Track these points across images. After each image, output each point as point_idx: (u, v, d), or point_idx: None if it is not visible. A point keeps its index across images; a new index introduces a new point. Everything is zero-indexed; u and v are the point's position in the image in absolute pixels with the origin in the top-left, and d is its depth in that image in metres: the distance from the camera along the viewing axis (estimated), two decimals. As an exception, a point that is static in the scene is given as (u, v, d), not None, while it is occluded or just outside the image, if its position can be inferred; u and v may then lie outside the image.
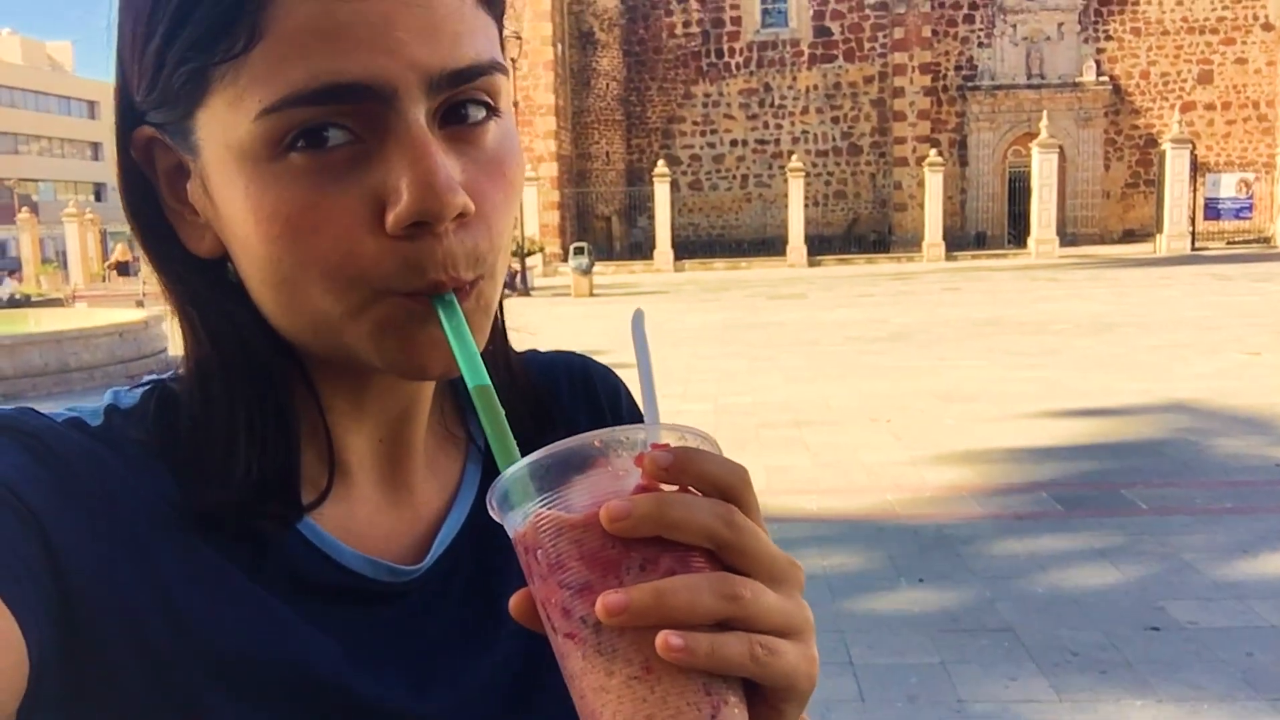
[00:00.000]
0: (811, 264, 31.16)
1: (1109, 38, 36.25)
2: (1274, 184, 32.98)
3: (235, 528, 0.55)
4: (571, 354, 0.78)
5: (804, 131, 37.16)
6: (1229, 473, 6.03)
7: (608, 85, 36.57)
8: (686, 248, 33.69)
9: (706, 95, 37.29)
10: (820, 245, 33.46)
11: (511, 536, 0.46)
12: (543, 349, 0.77)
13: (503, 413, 0.50)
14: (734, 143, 37.34)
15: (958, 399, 8.60)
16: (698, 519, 0.43)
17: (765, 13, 37.23)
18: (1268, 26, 35.63)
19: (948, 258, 31.03)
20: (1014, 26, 36.23)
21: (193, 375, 0.58)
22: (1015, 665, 3.59)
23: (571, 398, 0.74)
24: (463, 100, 0.53)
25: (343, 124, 0.50)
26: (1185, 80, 36.18)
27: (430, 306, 0.52)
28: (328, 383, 0.59)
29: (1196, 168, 31.69)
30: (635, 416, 0.76)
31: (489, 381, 0.51)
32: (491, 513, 0.47)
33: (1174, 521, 5.10)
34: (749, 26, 37.12)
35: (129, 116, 0.56)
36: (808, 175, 32.86)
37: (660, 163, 32.34)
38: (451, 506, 0.65)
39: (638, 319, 0.52)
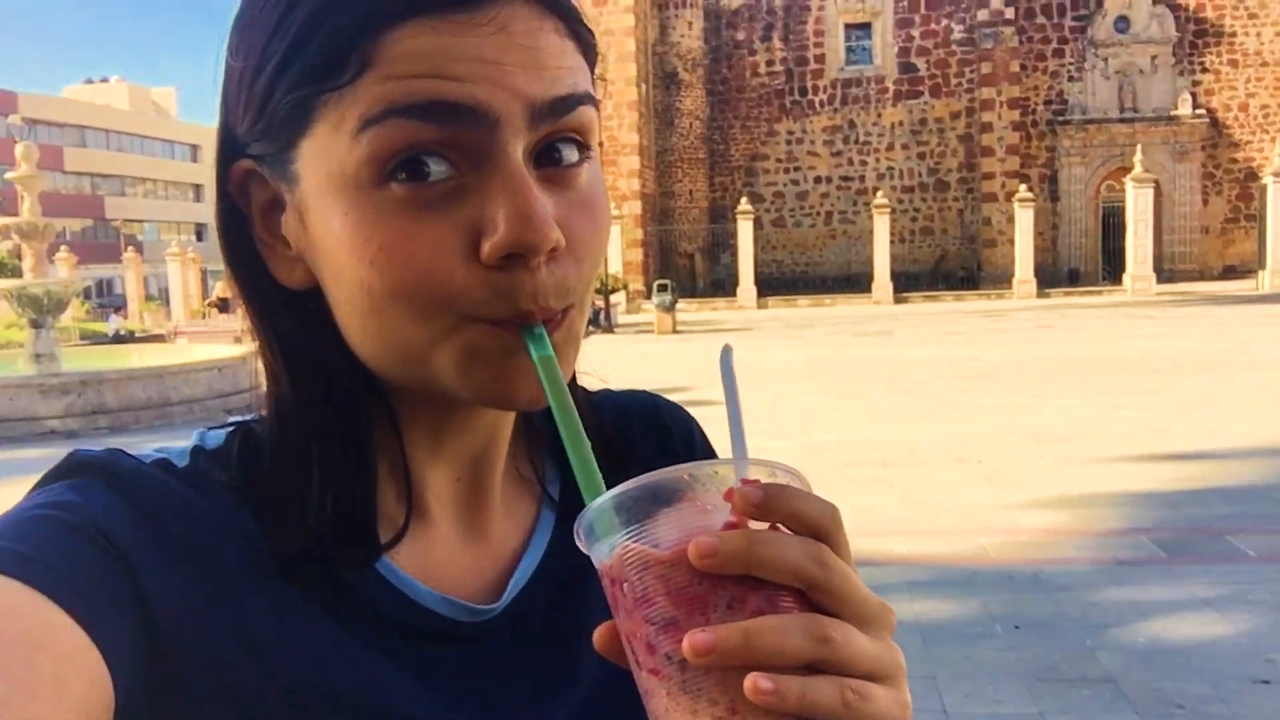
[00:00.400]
0: (897, 301, 30.81)
1: (1205, 70, 35.41)
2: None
3: (317, 569, 0.56)
4: (643, 393, 0.79)
5: (889, 168, 36.92)
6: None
7: (691, 124, 36.85)
8: (769, 285, 33.62)
9: (790, 133, 37.31)
10: (906, 282, 33.07)
11: (597, 568, 0.46)
12: (616, 387, 0.78)
13: (589, 444, 0.50)
14: (818, 179, 37.25)
15: (1052, 439, 8.38)
16: (788, 558, 0.43)
17: (849, 50, 37.23)
18: (1375, 55, 34.42)
19: (1039, 295, 30.41)
20: (1105, 60, 35.62)
21: (272, 415, 0.59)
22: (1117, 716, 3.45)
23: (644, 436, 0.74)
24: (556, 141, 0.55)
25: (444, 155, 0.52)
26: (1287, 112, 35.10)
27: (518, 336, 0.53)
28: (409, 420, 0.60)
29: (1299, 204, 30.60)
30: (710, 454, 0.76)
31: (576, 414, 0.51)
32: (578, 543, 0.46)
33: (1286, 570, 4.88)
34: (833, 64, 37.12)
35: (230, 150, 0.58)
36: (893, 211, 32.59)
37: (743, 200, 32.43)
38: (527, 548, 0.66)
39: (726, 354, 0.53)
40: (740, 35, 37.58)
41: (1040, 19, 36.02)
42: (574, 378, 0.68)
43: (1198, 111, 35.05)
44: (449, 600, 0.60)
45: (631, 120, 33.66)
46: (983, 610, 4.59)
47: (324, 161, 0.53)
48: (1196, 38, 35.35)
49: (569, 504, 0.66)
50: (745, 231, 31.28)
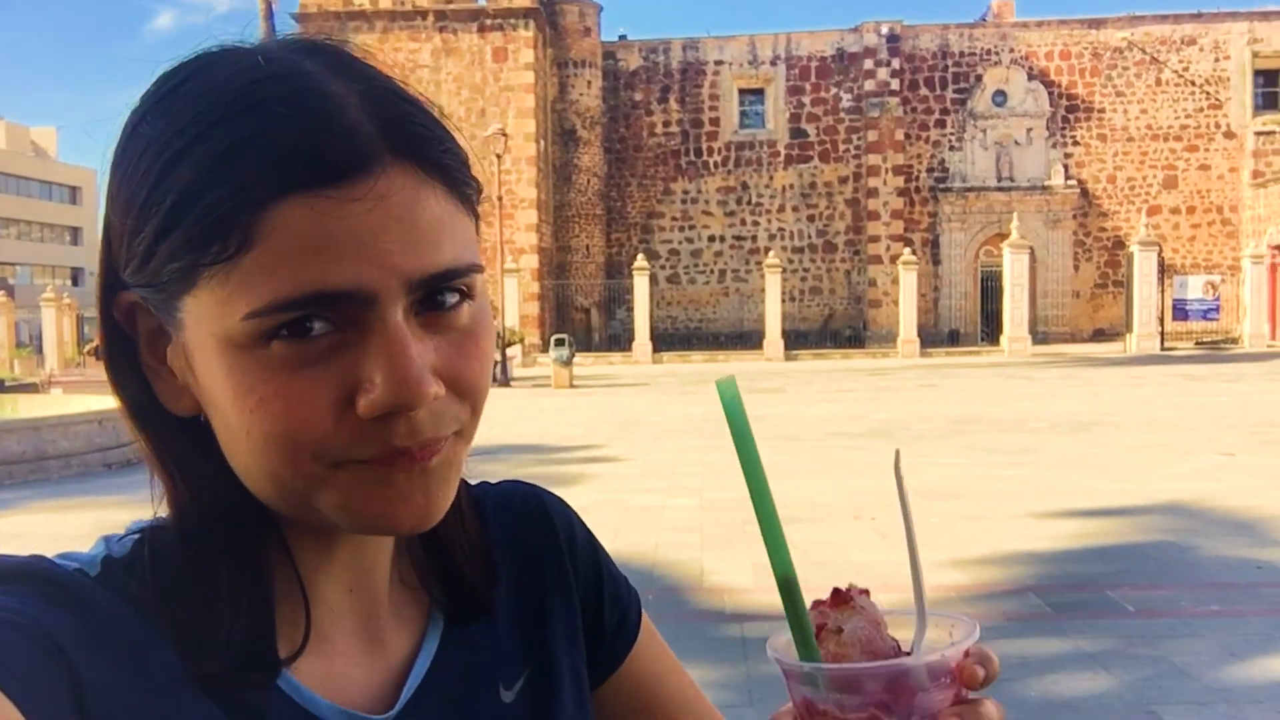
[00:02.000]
0: (788, 358, 31.44)
1: (1076, 143, 37.41)
2: (1239, 286, 33.74)
3: (229, 686, 0.57)
4: (524, 484, 0.81)
5: (780, 228, 37.88)
6: (1212, 574, 6.08)
7: (589, 180, 37.23)
8: (664, 340, 33.97)
9: (685, 192, 38.03)
10: (796, 340, 33.83)
11: (812, 702, 0.55)
12: (493, 480, 0.81)
13: (804, 605, 0.56)
14: (712, 238, 37.98)
15: (940, 497, 8.66)
16: None
17: (743, 114, 38.28)
18: (1229, 134, 36.92)
19: (922, 354, 31.41)
20: (984, 131, 37.36)
21: (175, 529, 0.60)
22: (1014, 771, 3.57)
23: (528, 529, 0.77)
24: (441, 293, 0.57)
25: (325, 317, 0.53)
26: (1151, 185, 37.28)
27: (392, 467, 0.56)
28: (299, 539, 0.62)
29: (1164, 269, 32.44)
30: (590, 550, 0.80)
31: (794, 574, 0.57)
32: (782, 664, 0.56)
33: (1162, 625, 5.13)
34: (727, 127, 38.07)
35: (114, 283, 0.58)
36: (784, 271, 33.40)
37: (640, 256, 32.82)
38: (417, 655, 0.68)
39: (897, 460, 0.57)
40: (638, 96, 38.30)
41: (924, 91, 37.65)
42: (464, 488, 0.71)
43: (1069, 182, 36.98)
44: (347, 713, 0.62)
45: (530, 175, 33.88)
46: (882, 666, 4.71)
47: (209, 323, 0.54)
48: (1068, 113, 37.40)
49: (455, 615, 0.70)
50: (641, 287, 31.61)
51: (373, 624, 0.67)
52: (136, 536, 0.60)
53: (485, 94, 34.12)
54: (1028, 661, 4.67)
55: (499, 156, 28.62)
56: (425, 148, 0.57)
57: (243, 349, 0.53)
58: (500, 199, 29.71)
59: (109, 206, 0.58)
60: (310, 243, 0.52)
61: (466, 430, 0.59)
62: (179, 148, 0.53)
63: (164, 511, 0.61)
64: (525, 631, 0.73)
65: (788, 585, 0.57)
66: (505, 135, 29.57)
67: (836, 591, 0.57)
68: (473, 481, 0.76)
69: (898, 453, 0.57)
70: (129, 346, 0.59)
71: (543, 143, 34.98)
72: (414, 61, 34.17)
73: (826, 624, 0.56)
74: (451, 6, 34.56)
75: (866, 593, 0.57)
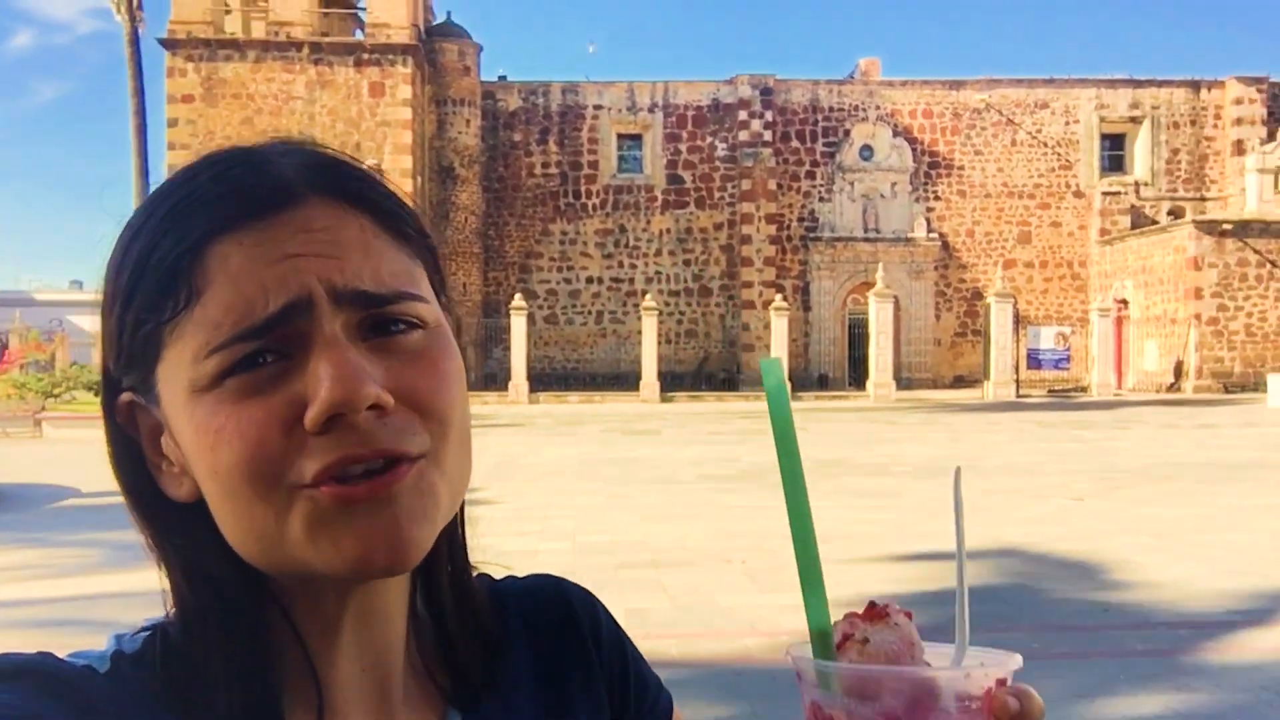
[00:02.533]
0: (664, 400, 31.68)
1: (937, 198, 39.03)
2: (1088, 338, 35.63)
3: None
4: (548, 577, 0.81)
5: (657, 272, 38.32)
6: (1062, 617, 6.36)
7: (466, 219, 37.00)
8: (541, 380, 33.85)
9: (564, 233, 38.16)
10: (672, 382, 34.13)
11: (820, 706, 0.53)
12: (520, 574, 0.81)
13: (832, 632, 0.56)
14: (589, 280, 38.15)
15: (808, 541, 8.82)
16: None
17: (621, 159, 38.74)
18: (1079, 194, 39.11)
19: (793, 398, 31.90)
20: (851, 184, 38.67)
21: (180, 623, 0.61)
22: (876, 815, 3.63)
23: (549, 622, 0.77)
24: (384, 316, 0.58)
25: (273, 349, 0.56)
26: (1007, 239, 39.12)
27: (352, 495, 0.55)
28: (306, 617, 0.62)
29: (1019, 320, 34.03)
30: (616, 642, 0.80)
31: (829, 628, 0.56)
32: (798, 664, 0.54)
33: (1015, 666, 5.33)
34: (605, 171, 38.44)
35: (111, 385, 0.62)
36: (661, 314, 33.73)
37: (517, 296, 32.75)
38: None
39: (957, 477, 0.55)
40: (517, 136, 38.37)
41: (795, 143, 38.80)
42: (465, 556, 0.72)
43: (931, 235, 38.54)
44: None
45: (405, 212, 33.47)
46: (749, 713, 4.76)
47: (176, 380, 0.57)
48: (930, 169, 39.04)
49: (462, 696, 0.69)
50: (519, 327, 31.51)
51: (386, 705, 0.65)
52: (148, 633, 0.61)
53: (361, 128, 33.65)
54: (890, 704, 4.78)
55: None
56: (348, 184, 0.60)
57: (203, 391, 0.56)
58: (375, 235, 29.27)
59: (102, 312, 0.61)
60: (241, 274, 0.56)
61: (439, 457, 0.59)
62: (136, 228, 0.60)
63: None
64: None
65: (822, 639, 0.55)
66: (381, 171, 29.17)
67: (872, 605, 0.55)
68: (497, 575, 0.76)
69: (958, 470, 0.56)
70: (133, 448, 0.62)
71: (420, 179, 34.64)
72: (287, 93, 33.50)
73: (854, 634, 0.54)
74: (327, 39, 34.08)
75: (909, 615, 0.55)
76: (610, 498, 11.38)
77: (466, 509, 0.74)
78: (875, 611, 0.55)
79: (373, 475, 0.56)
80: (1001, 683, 0.52)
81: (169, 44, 33.37)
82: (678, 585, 7.20)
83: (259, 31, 34.13)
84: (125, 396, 0.61)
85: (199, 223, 0.57)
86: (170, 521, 0.61)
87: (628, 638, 0.81)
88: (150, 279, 0.57)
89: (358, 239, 0.59)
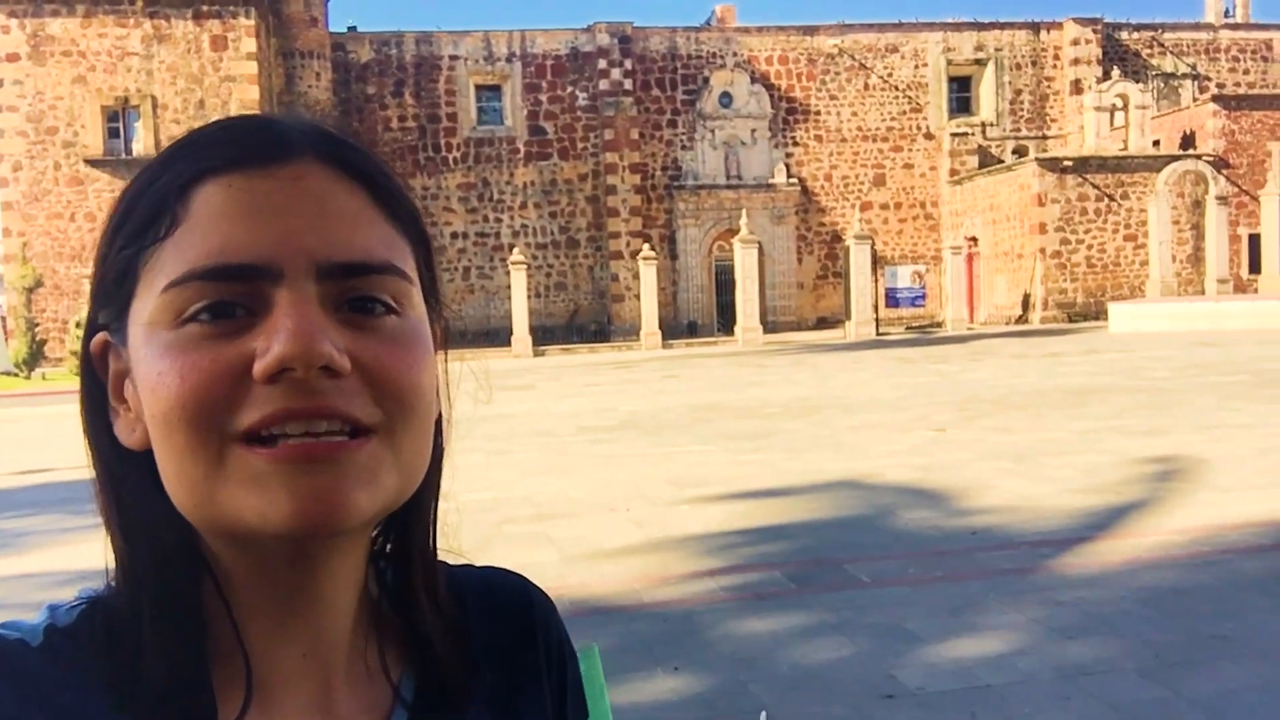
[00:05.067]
0: (536, 354, 31.59)
1: (796, 144, 39.71)
2: (941, 275, 37.00)
3: None
4: (511, 575, 0.79)
5: (524, 225, 37.98)
6: (934, 543, 6.66)
7: (322, 177, 35.83)
8: (408, 340, 33.26)
9: (425, 189, 37.33)
10: (544, 336, 34.03)
11: None
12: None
13: None
14: (454, 235, 37.54)
15: (690, 484, 8.99)
16: None
17: (481, 111, 38.07)
18: (929, 135, 40.34)
19: (664, 346, 32.40)
20: (713, 132, 38.97)
21: (117, 584, 0.60)
22: (773, 743, 3.78)
23: (510, 626, 0.75)
24: (364, 296, 0.58)
25: (240, 303, 0.56)
26: (863, 183, 40.15)
27: (282, 457, 0.54)
28: (249, 592, 0.60)
29: (876, 261, 35.08)
30: (568, 654, 0.79)
31: None
32: None
33: (894, 593, 5.58)
34: (465, 123, 37.73)
35: (91, 328, 0.62)
36: (529, 268, 33.49)
37: (379, 255, 31.97)
38: None
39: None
40: (371, 89, 37.24)
41: (655, 92, 38.81)
42: (434, 556, 0.70)
43: (791, 180, 39.25)
44: None
45: (257, 171, 32.18)
46: (645, 653, 4.85)
47: (142, 314, 0.57)
48: (788, 115, 39.64)
49: (423, 706, 0.67)
50: (382, 287, 30.82)
51: (327, 698, 0.63)
52: (83, 606, 0.61)
53: (204, 84, 32.10)
54: (777, 636, 4.95)
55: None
56: (348, 153, 0.60)
57: (160, 329, 0.56)
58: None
59: (96, 248, 0.63)
60: (222, 215, 0.56)
61: (393, 437, 0.57)
62: (144, 168, 0.61)
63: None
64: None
65: None
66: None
67: None
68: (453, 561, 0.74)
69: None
70: (99, 391, 0.62)
71: (270, 137, 33.32)
72: (122, 49, 31.65)
73: None
74: (163, -10, 32.25)
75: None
76: (489, 455, 11.33)
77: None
78: None
79: (316, 439, 0.55)
80: None
81: (-15, -3, 31.04)
82: (564, 537, 7.24)
83: (86, -18, 32.05)
84: (100, 337, 0.61)
85: (194, 162, 0.58)
86: (121, 472, 0.61)
87: (574, 653, 0.80)
88: (141, 209, 0.58)
89: (348, 205, 0.58)
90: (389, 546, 0.68)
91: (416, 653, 0.68)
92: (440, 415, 0.66)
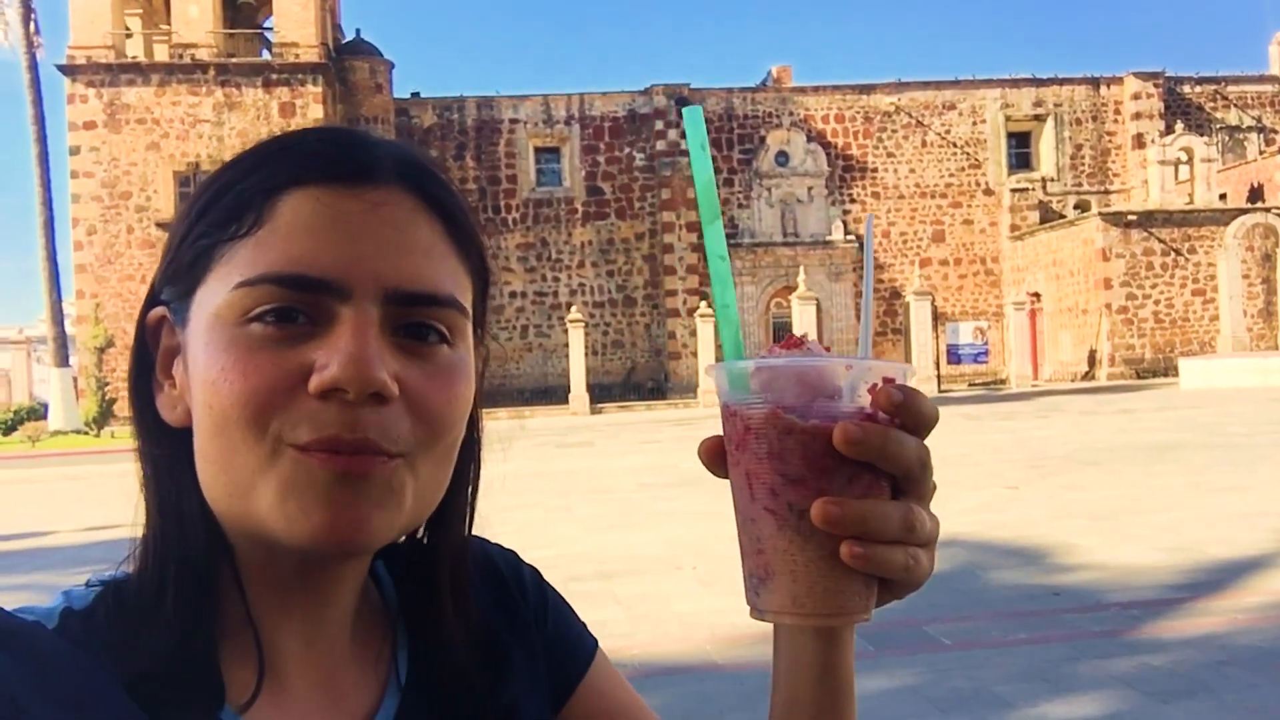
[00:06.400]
0: (594, 411, 31.58)
1: (853, 200, 39.64)
2: (1004, 331, 36.46)
3: None
4: (506, 551, 0.81)
5: (581, 284, 38.24)
6: (1013, 603, 6.42)
7: (384, 238, 36.54)
8: (467, 398, 33.49)
9: (485, 248, 37.82)
10: (600, 393, 34.06)
11: (728, 408, 0.57)
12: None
13: (739, 328, 0.60)
14: (513, 294, 37.90)
15: (755, 543, 8.80)
16: (906, 457, 0.55)
17: (540, 172, 38.61)
18: (989, 192, 40.05)
19: (722, 404, 32.17)
20: (769, 190, 39.07)
21: (139, 558, 0.62)
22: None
23: (477, 582, 0.75)
24: (421, 323, 0.60)
25: (304, 310, 0.58)
26: (921, 239, 39.88)
27: (332, 469, 0.56)
28: (257, 578, 0.62)
29: (937, 317, 34.70)
30: (538, 589, 0.80)
31: (733, 298, 0.61)
32: (711, 374, 0.59)
33: (977, 655, 5.36)
34: (524, 185, 38.27)
35: (149, 301, 0.64)
36: (586, 325, 33.65)
37: (439, 314, 32.35)
38: (380, 705, 0.67)
39: (869, 222, 0.61)
40: (433, 152, 37.93)
41: (712, 151, 39.05)
42: (452, 529, 0.71)
43: (848, 237, 39.10)
44: None
45: (322, 233, 32.88)
46: (717, 717, 4.70)
47: (209, 302, 0.59)
48: (845, 172, 39.65)
49: (415, 686, 0.68)
50: (442, 346, 31.14)
51: (334, 677, 0.66)
52: (99, 589, 0.62)
53: (272, 150, 32.97)
54: (860, 699, 4.76)
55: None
56: (432, 185, 0.63)
57: (226, 324, 0.58)
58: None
59: (170, 230, 0.65)
60: (305, 226, 0.58)
61: (415, 462, 0.60)
62: (233, 163, 0.63)
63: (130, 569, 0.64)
64: (491, 698, 0.70)
65: (725, 310, 0.61)
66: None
67: (791, 335, 0.60)
68: None
69: (870, 217, 0.60)
70: (148, 364, 0.64)
71: (335, 200, 34.10)
72: (194, 116, 32.71)
73: (771, 355, 0.59)
74: (234, 60, 33.36)
75: (828, 349, 0.59)
76: (550, 511, 11.24)
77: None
78: (792, 340, 0.59)
79: (358, 455, 0.57)
80: (889, 381, 0.55)
81: (68, 69, 32.35)
82: (631, 595, 7.11)
83: (162, 54, 33.29)
84: (157, 311, 0.63)
85: (288, 168, 0.60)
86: (159, 445, 0.63)
87: (550, 585, 0.81)
88: (226, 202, 0.60)
89: (424, 238, 0.61)
90: (424, 542, 0.71)
91: (436, 663, 0.69)
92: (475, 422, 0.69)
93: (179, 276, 0.61)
